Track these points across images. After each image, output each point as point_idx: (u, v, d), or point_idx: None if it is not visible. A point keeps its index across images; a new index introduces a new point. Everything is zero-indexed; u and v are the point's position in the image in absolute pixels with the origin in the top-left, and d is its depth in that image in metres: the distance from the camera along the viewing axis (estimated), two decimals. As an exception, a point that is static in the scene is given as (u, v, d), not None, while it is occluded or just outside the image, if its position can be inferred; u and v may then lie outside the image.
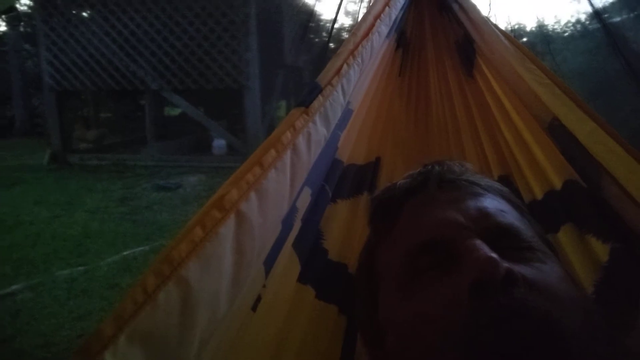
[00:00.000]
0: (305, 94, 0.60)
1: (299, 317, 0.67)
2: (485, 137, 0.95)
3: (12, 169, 6.53)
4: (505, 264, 0.44)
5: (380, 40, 0.80)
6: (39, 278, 3.23)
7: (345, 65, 0.67)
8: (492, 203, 0.55)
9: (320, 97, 0.61)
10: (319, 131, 0.60)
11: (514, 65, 0.90)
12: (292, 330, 0.66)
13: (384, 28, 0.81)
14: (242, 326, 0.57)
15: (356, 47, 0.71)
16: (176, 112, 9.20)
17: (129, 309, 0.36)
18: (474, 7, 1.03)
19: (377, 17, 0.81)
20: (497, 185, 0.62)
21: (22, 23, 9.00)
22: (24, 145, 8.16)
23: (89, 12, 7.04)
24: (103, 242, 3.91)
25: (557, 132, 0.82)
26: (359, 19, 0.81)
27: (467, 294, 0.43)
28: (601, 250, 0.75)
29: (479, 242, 0.47)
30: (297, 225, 0.68)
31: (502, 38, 0.95)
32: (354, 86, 0.78)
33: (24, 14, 8.22)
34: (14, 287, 3.10)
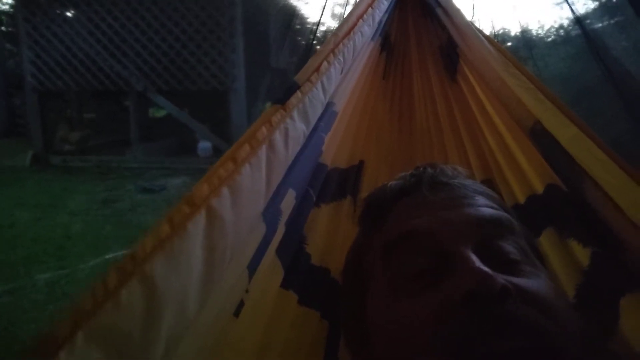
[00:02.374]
0: (282, 92, 0.59)
1: (281, 322, 0.66)
2: (468, 141, 0.96)
3: (-8, 170, 6.41)
4: (501, 279, 0.44)
5: (362, 41, 0.80)
6: (19, 282, 3.17)
7: (325, 63, 0.67)
8: (485, 208, 0.55)
9: (298, 93, 0.60)
10: (297, 127, 0.58)
11: (497, 70, 0.90)
12: (274, 336, 0.65)
13: (366, 29, 0.80)
14: (223, 331, 0.56)
15: (336, 46, 0.70)
16: (161, 113, 9.12)
17: (88, 307, 0.35)
18: (457, 11, 1.03)
19: (360, 17, 0.81)
20: (488, 190, 0.62)
21: (3, 22, 8.86)
22: (4, 146, 8.00)
23: (72, 11, 6.95)
24: (85, 245, 3.85)
25: (540, 136, 0.83)
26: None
27: (459, 302, 0.43)
28: (582, 254, 0.75)
29: (470, 254, 0.47)
30: (280, 229, 0.68)
31: (486, 43, 0.95)
32: (337, 87, 0.78)
33: (6, 13, 8.09)
34: (-6, 290, 3.04)
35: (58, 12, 6.90)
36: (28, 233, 4.16)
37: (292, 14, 7.50)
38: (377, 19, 0.88)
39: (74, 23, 6.84)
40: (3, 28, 9.19)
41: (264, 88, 7.57)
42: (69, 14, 7.02)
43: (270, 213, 0.62)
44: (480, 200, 0.56)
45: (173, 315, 0.38)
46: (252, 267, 0.60)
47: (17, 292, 3.02)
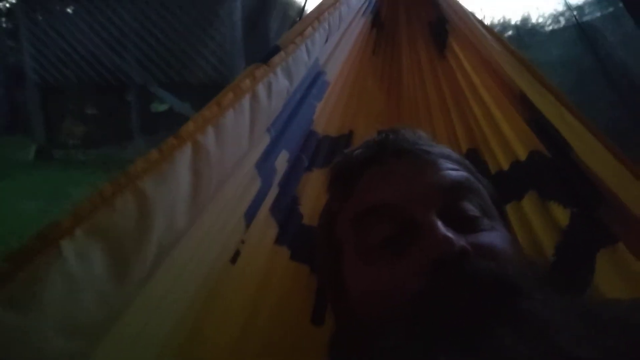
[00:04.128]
0: (265, 53, 0.61)
1: (275, 275, 0.71)
2: (455, 113, 0.99)
3: (-4, 164, 6.45)
4: (461, 242, 0.49)
5: (349, 12, 0.83)
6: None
7: (310, 28, 0.70)
8: (447, 171, 0.59)
9: (282, 52, 0.63)
10: (280, 83, 0.61)
11: (485, 45, 0.94)
12: (268, 288, 0.69)
13: (353, 1, 0.84)
14: (220, 278, 0.61)
15: (321, 14, 0.73)
16: (163, 107, 9.14)
17: (86, 209, 0.38)
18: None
19: None
20: (449, 150, 0.66)
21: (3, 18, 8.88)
22: (7, 141, 8.05)
23: (72, 6, 6.98)
24: (89, 235, 3.89)
25: (527, 104, 0.87)
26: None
27: (426, 269, 0.49)
28: (562, 215, 0.79)
29: (435, 220, 0.52)
30: (274, 189, 0.72)
31: (474, 20, 0.99)
32: (328, 57, 0.82)
33: (6, 8, 8.11)
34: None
35: (57, 7, 6.92)
36: (33, 225, 4.15)
37: (291, 6, 7.50)
38: None
39: (74, 17, 6.86)
40: (3, 24, 9.22)
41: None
42: (68, 9, 7.04)
43: (265, 168, 0.66)
44: (442, 163, 0.60)
45: (163, 224, 0.42)
46: (248, 217, 0.64)
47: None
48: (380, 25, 1.10)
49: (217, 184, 0.50)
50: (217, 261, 0.59)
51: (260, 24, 7.32)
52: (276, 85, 0.60)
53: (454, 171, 0.59)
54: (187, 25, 6.52)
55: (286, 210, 0.76)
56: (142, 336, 0.46)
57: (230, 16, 6.51)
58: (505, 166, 0.88)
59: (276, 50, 0.62)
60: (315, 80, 0.80)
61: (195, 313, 0.55)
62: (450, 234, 0.50)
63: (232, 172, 0.54)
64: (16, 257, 0.34)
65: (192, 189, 0.46)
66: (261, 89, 0.57)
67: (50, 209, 4.61)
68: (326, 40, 0.75)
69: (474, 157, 0.90)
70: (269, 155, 0.67)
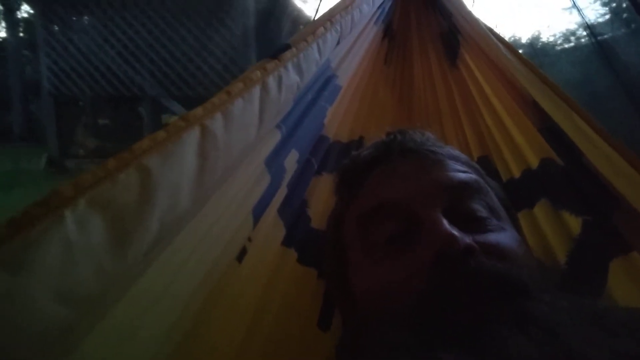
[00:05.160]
0: (275, 49, 0.61)
1: (281, 278, 0.70)
2: (466, 122, 0.99)
3: (9, 173, 6.52)
4: (466, 239, 0.48)
5: (361, 18, 0.83)
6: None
7: (321, 28, 0.70)
8: (453, 172, 0.58)
9: (293, 49, 0.63)
10: (291, 77, 0.61)
11: (496, 54, 0.94)
12: (274, 290, 0.68)
13: (365, 7, 0.84)
14: (225, 275, 0.60)
15: (333, 17, 0.74)
16: (173, 119, 9.24)
17: (89, 180, 0.38)
18: (460, 1, 1.08)
19: None
20: (456, 152, 0.65)
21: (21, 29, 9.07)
22: (21, 151, 8.16)
23: (88, 18, 7.11)
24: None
25: (538, 112, 0.87)
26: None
27: (430, 263, 0.48)
28: (574, 223, 0.78)
29: (439, 217, 0.51)
30: (283, 190, 0.72)
31: (485, 29, 1.00)
32: (340, 61, 0.82)
33: (24, 20, 8.28)
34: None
35: (74, 18, 7.06)
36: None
37: (304, 23, 7.59)
38: (378, 2, 0.92)
39: (90, 29, 6.99)
40: (21, 35, 9.40)
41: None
42: (85, 21, 7.18)
43: (274, 166, 0.66)
44: (450, 164, 0.59)
45: (166, 202, 0.41)
46: (256, 214, 0.64)
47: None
48: (392, 36, 1.10)
49: (224, 170, 0.49)
50: (223, 257, 0.58)
51: (272, 39, 7.40)
52: (287, 79, 0.60)
53: (461, 172, 0.59)
54: (199, 39, 6.61)
55: (294, 213, 0.75)
56: (137, 332, 0.45)
57: (244, 32, 6.60)
58: (517, 174, 0.88)
59: (287, 47, 0.62)
60: (327, 82, 0.80)
61: (196, 311, 0.54)
62: (455, 231, 0.49)
63: (239, 164, 0.54)
64: (17, 221, 0.34)
65: (198, 171, 0.45)
66: (271, 81, 0.57)
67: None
68: (338, 43, 0.75)
69: (485, 164, 0.89)
70: (278, 152, 0.67)
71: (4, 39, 9.51)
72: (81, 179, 0.37)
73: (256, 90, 0.55)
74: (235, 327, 0.62)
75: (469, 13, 1.05)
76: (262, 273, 0.67)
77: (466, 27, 1.03)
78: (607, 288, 0.71)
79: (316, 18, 0.87)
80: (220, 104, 0.49)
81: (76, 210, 0.36)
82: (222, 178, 0.50)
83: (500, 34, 0.98)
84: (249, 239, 0.64)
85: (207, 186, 0.47)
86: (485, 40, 0.97)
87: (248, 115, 0.53)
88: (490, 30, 1.00)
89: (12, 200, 5.31)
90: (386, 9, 1.04)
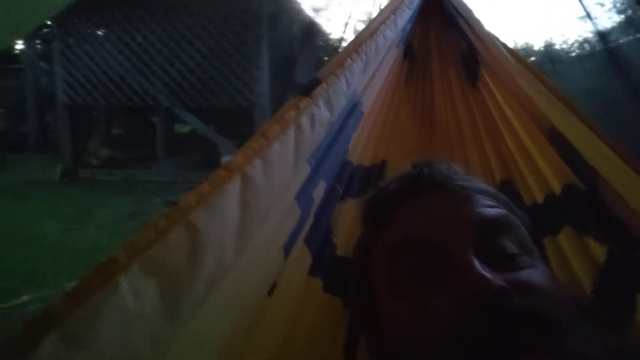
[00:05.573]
0: (306, 85, 0.62)
1: (308, 308, 0.70)
2: (488, 144, 0.99)
3: (25, 183, 6.60)
4: (498, 281, 0.48)
5: (385, 43, 0.84)
6: (49, 291, 3.25)
7: (348, 59, 0.70)
8: (483, 208, 0.58)
9: (324, 84, 0.63)
10: (323, 114, 0.62)
11: (515, 76, 0.94)
12: (301, 320, 0.69)
13: (389, 33, 0.84)
14: (258, 310, 0.60)
15: (359, 46, 0.74)
16: (186, 129, 9.31)
17: (142, 243, 0.38)
18: (478, 22, 1.07)
19: (382, 22, 0.85)
20: (484, 185, 0.65)
21: (38, 41, 9.21)
22: (36, 161, 8.26)
23: (103, 30, 7.20)
24: (113, 255, 3.93)
25: (556, 138, 0.86)
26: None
27: (462, 307, 0.48)
28: (599, 251, 0.78)
29: (471, 257, 0.51)
30: (310, 219, 0.72)
31: (504, 51, 0.99)
32: (364, 87, 0.82)
33: (41, 33, 8.41)
34: (24, 297, 3.12)
35: (89, 30, 7.16)
36: (58, 244, 4.27)
37: (316, 32, 7.63)
38: (400, 25, 0.92)
39: (105, 41, 7.08)
40: (38, 47, 9.54)
41: (287, 104, 7.65)
42: (100, 32, 7.28)
43: (304, 199, 0.66)
44: (478, 199, 0.59)
45: (213, 260, 0.42)
46: (287, 248, 0.64)
47: (47, 301, 3.09)
48: (412, 56, 1.10)
49: (263, 216, 0.50)
50: (256, 293, 0.59)
51: (285, 49, 7.44)
52: (319, 117, 0.61)
53: (491, 208, 0.59)
54: (214, 50, 6.67)
55: (320, 241, 0.76)
56: None
57: (257, 42, 6.65)
58: (540, 199, 0.87)
59: (317, 82, 0.63)
60: (352, 110, 0.80)
61: (236, 349, 0.55)
62: (487, 273, 0.49)
63: (275, 204, 0.54)
64: (76, 292, 0.34)
65: (240, 222, 0.46)
66: (305, 120, 0.58)
67: (73, 229, 4.69)
68: (363, 70, 0.76)
69: (508, 189, 0.89)
70: (308, 185, 0.67)
71: (20, 50, 9.65)
72: (134, 243, 0.38)
73: (291, 131, 0.55)
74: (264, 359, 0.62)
75: (488, 35, 1.04)
76: (290, 304, 0.67)
77: (484, 49, 1.03)
78: (635, 320, 0.70)
79: (342, 48, 0.88)
80: (259, 148, 0.50)
81: (131, 277, 0.36)
82: (260, 222, 0.51)
83: (513, 41, 0.97)
84: (280, 273, 0.65)
85: (248, 235, 0.47)
86: (504, 63, 0.97)
87: (285, 157, 0.54)
88: (509, 50, 1.00)
89: (27, 210, 5.39)
90: (407, 30, 1.04)
